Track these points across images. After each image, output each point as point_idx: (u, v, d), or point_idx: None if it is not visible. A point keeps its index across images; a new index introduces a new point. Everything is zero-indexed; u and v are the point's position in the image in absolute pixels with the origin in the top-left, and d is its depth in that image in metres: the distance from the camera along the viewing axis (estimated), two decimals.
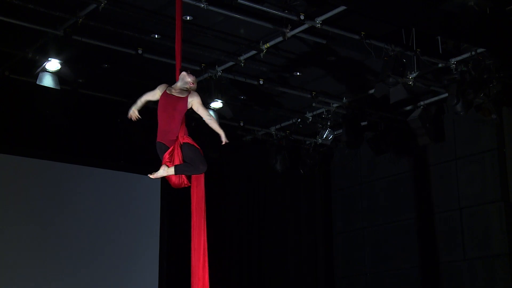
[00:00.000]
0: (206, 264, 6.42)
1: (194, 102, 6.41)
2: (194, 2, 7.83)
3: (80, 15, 8.05)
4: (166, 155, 6.24)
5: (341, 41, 9.03)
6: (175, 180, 6.38)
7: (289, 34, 8.61)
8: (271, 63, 9.64)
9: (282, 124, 11.75)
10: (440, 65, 9.46)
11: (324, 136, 11.18)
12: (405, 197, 11.40)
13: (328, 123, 11.10)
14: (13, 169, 10.39)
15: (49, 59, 8.68)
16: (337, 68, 9.94)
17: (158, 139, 6.34)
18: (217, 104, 9.96)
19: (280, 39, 8.78)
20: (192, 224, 6.46)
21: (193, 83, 6.52)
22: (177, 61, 6.70)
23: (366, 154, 11.90)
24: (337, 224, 12.44)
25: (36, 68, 8.82)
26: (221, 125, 10.18)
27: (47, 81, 8.81)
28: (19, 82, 9.44)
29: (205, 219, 6.46)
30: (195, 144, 6.33)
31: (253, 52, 9.17)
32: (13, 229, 10.24)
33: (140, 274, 11.21)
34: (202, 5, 7.90)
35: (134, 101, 10.21)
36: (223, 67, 9.64)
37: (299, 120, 11.39)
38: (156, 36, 8.71)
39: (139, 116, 6.60)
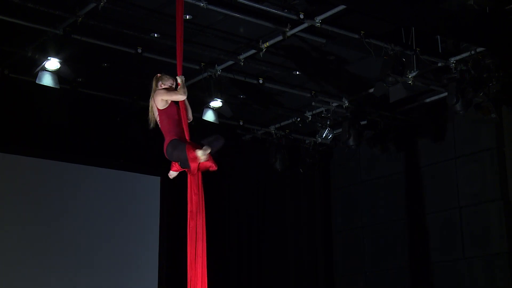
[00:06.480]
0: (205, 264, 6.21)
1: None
2: (193, 1, 7.83)
3: (79, 14, 8.04)
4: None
5: (340, 40, 9.04)
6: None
7: (289, 33, 8.61)
8: (271, 62, 9.63)
9: (282, 123, 11.74)
10: (439, 64, 9.46)
11: (324, 135, 11.18)
12: (405, 196, 11.39)
13: (328, 122, 11.09)
14: (12, 168, 10.37)
15: (49, 58, 8.66)
16: (336, 67, 9.93)
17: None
18: (216, 103, 9.96)
19: (279, 38, 8.78)
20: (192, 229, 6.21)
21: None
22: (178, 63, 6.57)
23: (365, 153, 11.90)
24: (336, 222, 12.44)
25: (36, 67, 8.80)
26: (221, 124, 10.32)
27: (47, 80, 8.79)
28: (19, 81, 9.41)
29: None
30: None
31: (253, 51, 9.17)
32: (12, 228, 10.23)
33: (140, 274, 11.20)
34: (202, 4, 7.90)
35: (133, 100, 10.19)
36: (222, 66, 9.63)
37: (298, 119, 11.38)
38: (156, 35, 8.69)
39: None
